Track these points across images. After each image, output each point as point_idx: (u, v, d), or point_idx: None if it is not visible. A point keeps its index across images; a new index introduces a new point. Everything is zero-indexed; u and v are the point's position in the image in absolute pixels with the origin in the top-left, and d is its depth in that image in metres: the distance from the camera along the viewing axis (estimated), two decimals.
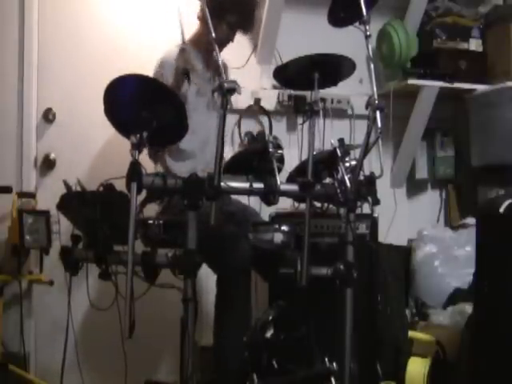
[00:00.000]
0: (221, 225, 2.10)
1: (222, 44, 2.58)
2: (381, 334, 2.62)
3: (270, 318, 2.16)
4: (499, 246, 2.25)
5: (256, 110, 3.17)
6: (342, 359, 2.05)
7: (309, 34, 3.21)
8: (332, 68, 2.14)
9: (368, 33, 2.12)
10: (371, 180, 2.14)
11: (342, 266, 2.06)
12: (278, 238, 2.04)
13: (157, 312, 2.75)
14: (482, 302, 2.34)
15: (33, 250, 2.76)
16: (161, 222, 1.91)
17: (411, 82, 3.28)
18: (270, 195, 2.00)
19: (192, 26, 2.61)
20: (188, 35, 2.62)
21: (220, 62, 1.89)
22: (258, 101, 3.17)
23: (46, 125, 2.99)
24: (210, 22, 1.90)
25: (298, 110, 3.04)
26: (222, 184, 1.85)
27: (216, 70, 2.56)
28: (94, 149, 3.03)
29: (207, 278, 2.48)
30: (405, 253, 3.24)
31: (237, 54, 3.05)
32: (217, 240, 2.14)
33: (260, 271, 2.46)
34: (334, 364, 2.05)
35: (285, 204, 2.42)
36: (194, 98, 2.55)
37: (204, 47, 2.59)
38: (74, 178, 2.00)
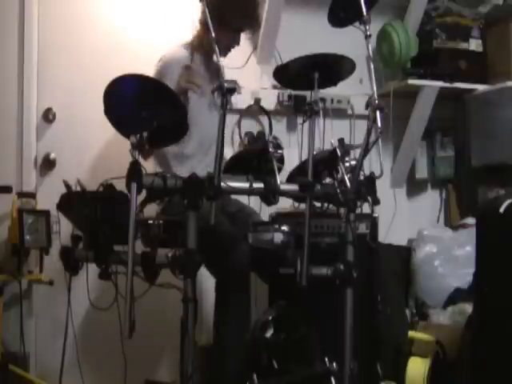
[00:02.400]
0: (220, 226, 2.09)
1: (229, 48, 2.61)
2: (381, 334, 2.62)
3: (270, 318, 2.16)
4: (499, 245, 2.25)
5: (256, 109, 3.17)
6: (342, 359, 2.05)
7: (309, 34, 3.21)
8: (332, 68, 2.14)
9: (368, 33, 2.12)
10: (371, 180, 2.14)
11: (342, 266, 2.06)
12: (278, 238, 2.04)
13: (157, 312, 2.75)
14: (482, 302, 2.34)
15: (33, 249, 2.76)
16: (161, 222, 1.91)
17: (411, 82, 3.28)
18: (269, 195, 2.00)
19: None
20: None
21: (220, 63, 1.89)
22: (258, 101, 3.17)
23: (46, 125, 2.98)
24: (209, 22, 1.90)
25: (298, 109, 3.05)
26: (222, 184, 1.85)
27: (215, 72, 2.58)
28: (94, 149, 3.03)
29: (207, 278, 2.47)
30: (405, 253, 3.24)
31: (237, 54, 3.05)
32: (216, 243, 2.14)
33: (259, 273, 2.45)
34: (334, 364, 2.06)
35: (285, 204, 2.42)
36: (197, 99, 2.55)
37: (205, 49, 2.60)
38: (74, 178, 1.99)
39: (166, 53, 2.60)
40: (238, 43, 2.67)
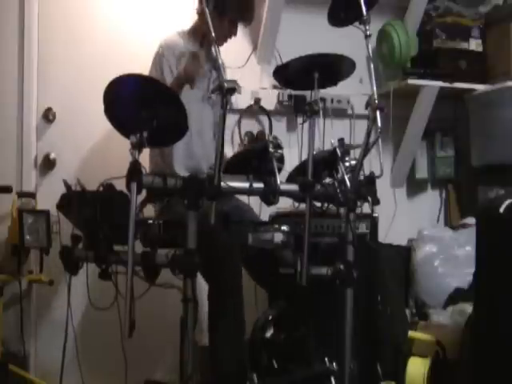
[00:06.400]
0: (213, 235, 2.05)
1: (225, 38, 2.60)
2: (381, 334, 2.62)
3: (270, 317, 2.16)
4: (499, 245, 2.25)
5: (256, 109, 3.17)
6: (342, 359, 2.05)
7: (309, 34, 3.21)
8: (332, 68, 2.15)
9: (368, 33, 2.13)
10: (371, 180, 2.14)
11: (341, 266, 2.06)
12: (278, 238, 2.04)
13: (157, 312, 2.75)
14: (482, 302, 2.34)
15: (33, 249, 2.76)
16: (161, 222, 1.91)
17: (411, 81, 3.28)
18: (269, 195, 2.00)
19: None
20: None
21: (220, 60, 1.89)
22: (258, 101, 3.17)
23: (46, 125, 2.98)
24: (209, 21, 1.90)
25: (298, 109, 3.05)
26: (222, 184, 1.85)
27: (213, 64, 2.57)
28: (94, 148, 3.03)
29: None
30: (405, 253, 3.24)
31: (237, 54, 3.06)
32: (209, 254, 2.07)
33: (256, 278, 2.42)
34: (334, 364, 2.06)
35: (285, 204, 2.42)
36: (188, 91, 2.54)
37: (198, 39, 2.58)
38: (73, 178, 2.00)
39: (165, 38, 2.59)
40: (235, 34, 2.66)
